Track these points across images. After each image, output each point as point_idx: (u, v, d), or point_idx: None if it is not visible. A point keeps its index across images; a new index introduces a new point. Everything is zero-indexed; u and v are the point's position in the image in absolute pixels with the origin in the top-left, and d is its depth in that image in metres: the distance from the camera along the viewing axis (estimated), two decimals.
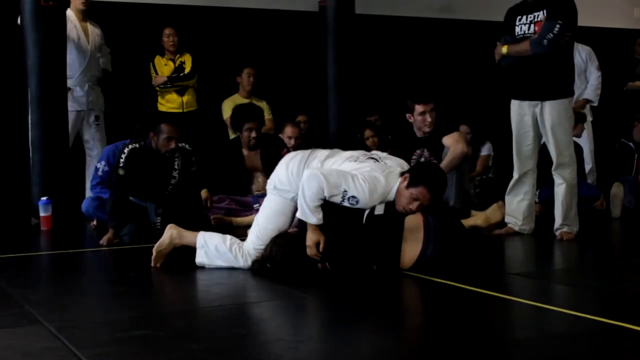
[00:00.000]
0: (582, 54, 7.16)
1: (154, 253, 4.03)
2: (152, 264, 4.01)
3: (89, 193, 6.04)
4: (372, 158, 4.00)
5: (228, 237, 4.07)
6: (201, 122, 7.19)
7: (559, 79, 4.96)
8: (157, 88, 7.09)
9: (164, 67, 7.11)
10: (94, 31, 6.64)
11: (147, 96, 7.12)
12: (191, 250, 4.06)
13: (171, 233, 4.05)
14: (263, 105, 7.36)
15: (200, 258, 4.02)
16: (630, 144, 6.86)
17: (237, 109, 6.26)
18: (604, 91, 7.33)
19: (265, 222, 4.00)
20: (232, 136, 6.83)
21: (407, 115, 5.71)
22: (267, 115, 7.37)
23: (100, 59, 6.78)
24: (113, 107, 6.93)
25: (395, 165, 4.01)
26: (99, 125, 6.66)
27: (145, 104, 7.05)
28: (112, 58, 6.95)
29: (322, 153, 4.07)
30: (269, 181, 4.10)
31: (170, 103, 7.11)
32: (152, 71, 7.09)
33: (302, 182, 3.76)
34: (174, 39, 7.11)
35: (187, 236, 4.08)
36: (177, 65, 7.12)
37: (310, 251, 3.80)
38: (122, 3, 7.37)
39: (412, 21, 8.62)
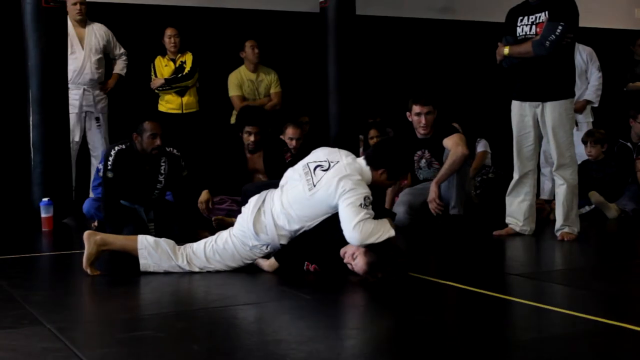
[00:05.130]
0: (583, 54, 7.14)
1: (88, 270, 3.89)
2: (90, 273, 3.90)
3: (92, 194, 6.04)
4: (320, 166, 3.96)
5: (172, 242, 3.99)
6: (201, 123, 7.19)
7: (560, 80, 4.95)
8: (156, 90, 7.09)
9: (164, 68, 7.09)
10: (92, 36, 6.69)
11: (148, 97, 7.12)
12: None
13: (94, 240, 3.90)
14: (272, 77, 7.26)
15: (144, 259, 3.91)
16: (628, 144, 6.85)
17: (242, 111, 6.26)
18: (604, 92, 7.31)
19: (230, 258, 3.98)
20: (233, 119, 6.84)
21: (407, 113, 5.72)
22: (275, 89, 7.29)
23: (116, 61, 6.91)
24: (118, 108, 6.95)
25: (340, 154, 4.04)
26: (100, 127, 6.68)
27: (146, 104, 7.04)
28: None
29: (273, 194, 4.00)
30: (244, 229, 3.96)
31: (169, 104, 7.10)
32: (152, 73, 7.08)
33: (361, 243, 3.73)
34: (175, 40, 7.07)
35: (113, 242, 3.97)
36: (177, 65, 7.09)
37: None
38: (124, 4, 7.37)
39: (413, 22, 8.62)
